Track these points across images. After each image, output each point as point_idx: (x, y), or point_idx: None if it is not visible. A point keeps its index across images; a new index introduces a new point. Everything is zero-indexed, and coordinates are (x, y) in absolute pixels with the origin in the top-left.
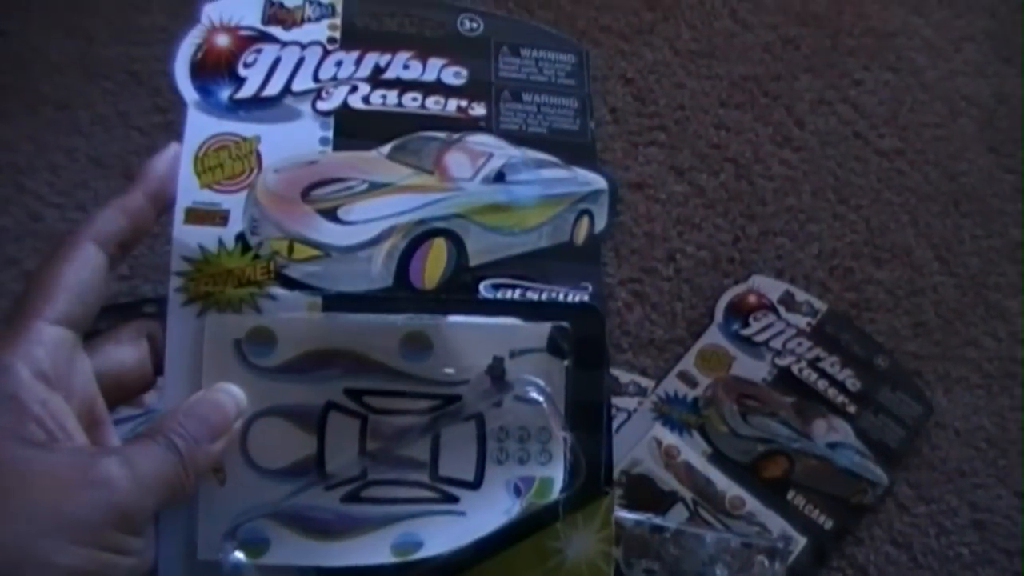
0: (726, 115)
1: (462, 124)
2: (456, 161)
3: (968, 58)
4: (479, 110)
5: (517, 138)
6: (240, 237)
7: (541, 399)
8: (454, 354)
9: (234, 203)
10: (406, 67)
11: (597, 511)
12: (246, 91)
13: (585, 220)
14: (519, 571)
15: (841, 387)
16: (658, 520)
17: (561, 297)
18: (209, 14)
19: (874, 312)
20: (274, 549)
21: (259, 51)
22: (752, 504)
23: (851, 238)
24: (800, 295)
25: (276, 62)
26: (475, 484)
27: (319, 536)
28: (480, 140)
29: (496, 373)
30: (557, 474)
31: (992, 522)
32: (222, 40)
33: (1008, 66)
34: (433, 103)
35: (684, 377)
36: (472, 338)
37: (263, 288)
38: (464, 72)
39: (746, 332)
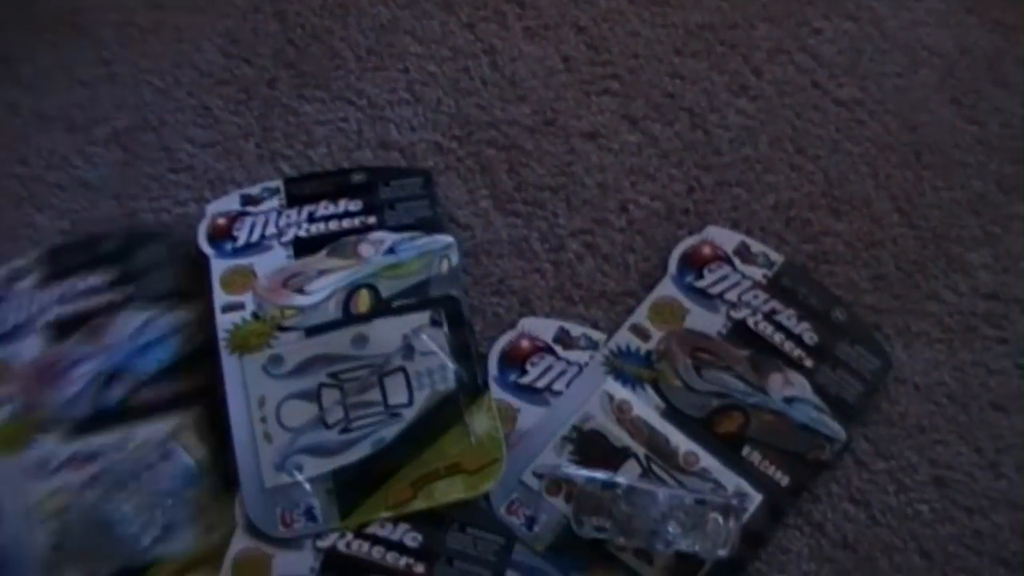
0: (681, 64)
1: (362, 229)
2: (364, 248)
3: (930, 7)
4: (371, 220)
5: (396, 228)
6: (254, 314)
7: (435, 349)
8: (381, 340)
9: (247, 298)
10: (326, 208)
11: (483, 402)
12: (239, 242)
13: (445, 261)
14: (449, 446)
15: (798, 341)
16: (609, 477)
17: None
18: (211, 210)
19: (832, 264)
20: (306, 468)
21: (243, 221)
22: (706, 460)
23: (809, 189)
24: (756, 247)
25: (253, 224)
26: (409, 403)
27: (328, 455)
28: (376, 235)
29: (406, 343)
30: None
31: (952, 479)
32: (221, 220)
33: (971, 16)
34: (346, 223)
35: (636, 330)
36: (389, 329)
37: (272, 335)
38: (359, 203)
39: (700, 284)
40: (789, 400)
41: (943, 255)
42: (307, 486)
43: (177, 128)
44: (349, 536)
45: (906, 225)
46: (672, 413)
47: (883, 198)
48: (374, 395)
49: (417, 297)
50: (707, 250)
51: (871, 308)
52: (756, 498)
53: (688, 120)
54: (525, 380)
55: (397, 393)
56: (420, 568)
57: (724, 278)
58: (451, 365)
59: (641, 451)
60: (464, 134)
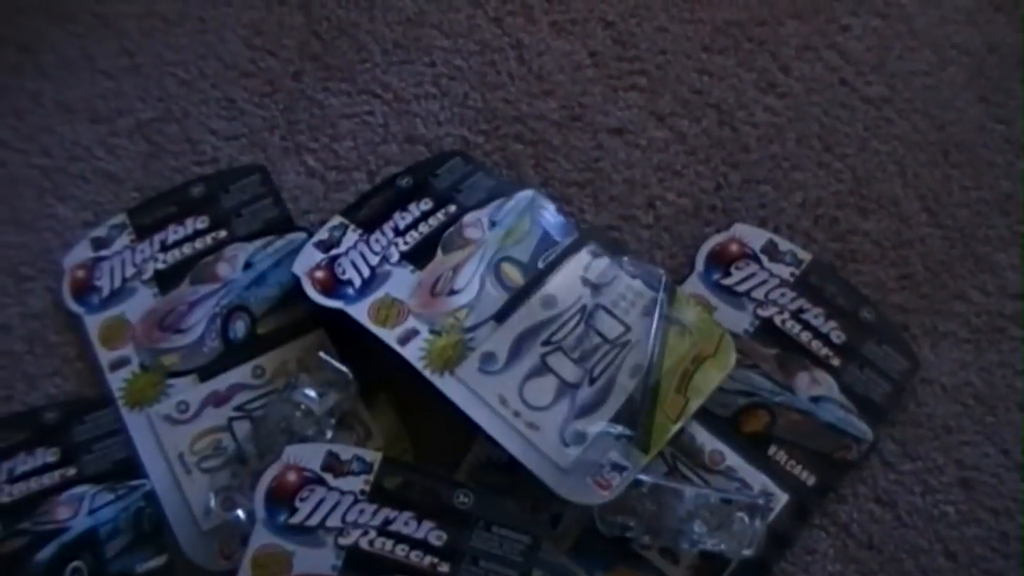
0: (709, 60)
1: (216, 247)
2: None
3: (959, 5)
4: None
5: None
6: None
7: (614, 275)
8: (565, 292)
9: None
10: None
11: (679, 297)
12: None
13: (543, 210)
14: (679, 345)
15: (825, 339)
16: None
17: None
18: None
19: (860, 263)
20: (589, 431)
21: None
22: (732, 459)
23: (836, 187)
24: (783, 244)
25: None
26: (628, 328)
27: (597, 407)
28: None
29: (588, 284)
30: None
31: (979, 480)
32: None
33: (999, 14)
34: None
35: None
36: (566, 279)
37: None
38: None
39: (727, 282)
40: (816, 399)
41: (971, 255)
42: (599, 445)
43: (201, 120)
44: (372, 534)
45: (934, 225)
46: (698, 411)
47: (911, 197)
48: (594, 339)
49: (554, 247)
50: (734, 247)
51: (898, 307)
52: (782, 498)
53: (716, 117)
54: None
55: (611, 327)
56: (445, 567)
57: (751, 276)
58: (635, 281)
59: (667, 449)
60: (491, 128)
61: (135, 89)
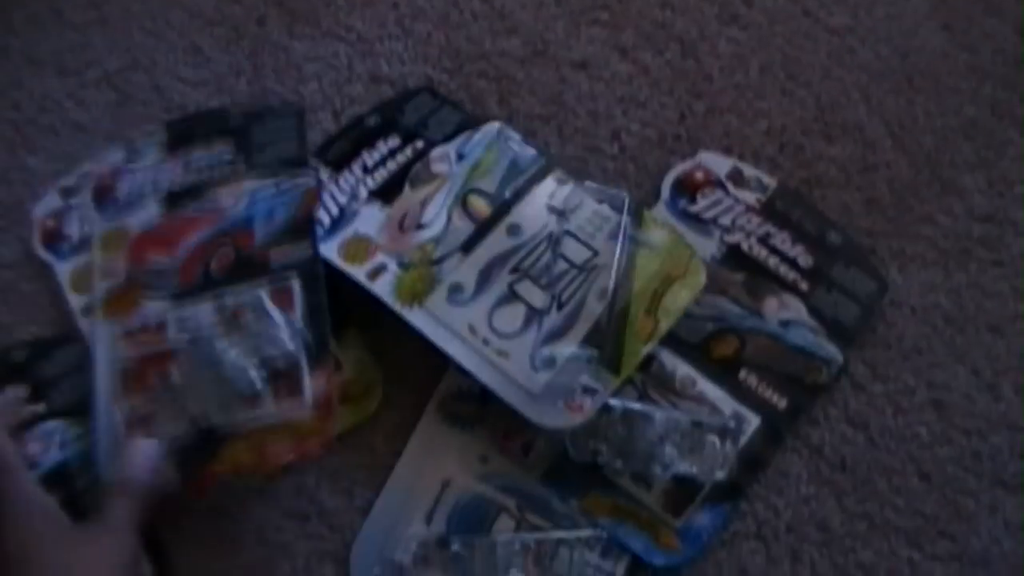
0: None
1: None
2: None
3: None
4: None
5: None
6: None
7: (580, 200)
8: (531, 220)
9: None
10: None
11: (647, 219)
12: (694, 208)
13: (511, 141)
14: (647, 267)
15: (792, 264)
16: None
17: None
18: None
19: (825, 189)
20: (558, 355)
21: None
22: (703, 385)
23: (801, 115)
24: (749, 171)
25: (717, 202)
26: (595, 252)
27: (566, 332)
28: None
29: (555, 210)
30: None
31: (950, 401)
32: (699, 175)
33: None
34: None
35: None
36: (531, 207)
37: None
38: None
39: (693, 209)
40: (785, 323)
41: (937, 179)
42: (570, 369)
43: (168, 68)
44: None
45: (899, 150)
46: (667, 338)
47: (876, 123)
48: (561, 265)
49: (520, 175)
50: (699, 175)
51: (865, 232)
52: (754, 421)
53: (679, 49)
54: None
55: (578, 252)
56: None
57: (717, 203)
58: (601, 206)
59: (637, 375)
60: (454, 66)
61: (103, 41)
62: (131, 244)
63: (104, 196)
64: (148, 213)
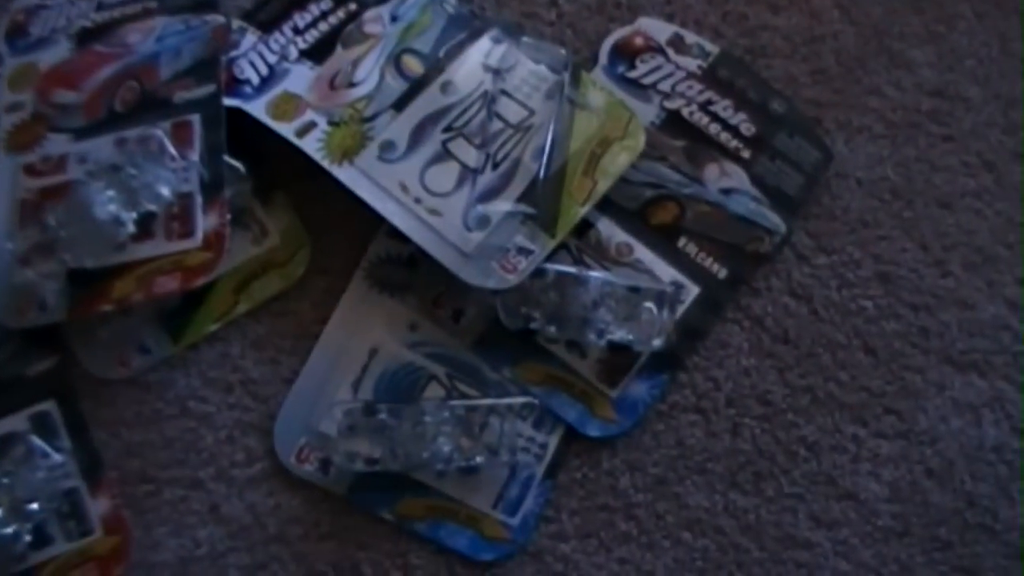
0: None
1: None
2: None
3: None
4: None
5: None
6: None
7: (517, 60)
8: (465, 78)
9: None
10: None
11: (585, 80)
12: (633, 74)
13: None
14: (585, 128)
15: (735, 131)
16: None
17: None
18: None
19: (770, 58)
20: (493, 214)
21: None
22: (640, 252)
23: None
24: (690, 38)
25: (657, 67)
26: (531, 112)
27: (501, 191)
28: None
29: (490, 69)
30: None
31: (897, 275)
32: (638, 40)
33: None
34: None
35: None
36: (466, 65)
37: None
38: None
39: (632, 75)
40: (726, 191)
41: (885, 52)
42: (504, 229)
43: None
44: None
45: (846, 21)
46: (603, 203)
47: None
48: (496, 124)
49: (452, 36)
50: (639, 41)
51: (811, 102)
52: (693, 290)
53: None
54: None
55: (514, 112)
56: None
57: (657, 68)
58: (539, 67)
59: (572, 242)
60: None
61: None
62: (39, 79)
63: (16, 33)
64: (59, 50)
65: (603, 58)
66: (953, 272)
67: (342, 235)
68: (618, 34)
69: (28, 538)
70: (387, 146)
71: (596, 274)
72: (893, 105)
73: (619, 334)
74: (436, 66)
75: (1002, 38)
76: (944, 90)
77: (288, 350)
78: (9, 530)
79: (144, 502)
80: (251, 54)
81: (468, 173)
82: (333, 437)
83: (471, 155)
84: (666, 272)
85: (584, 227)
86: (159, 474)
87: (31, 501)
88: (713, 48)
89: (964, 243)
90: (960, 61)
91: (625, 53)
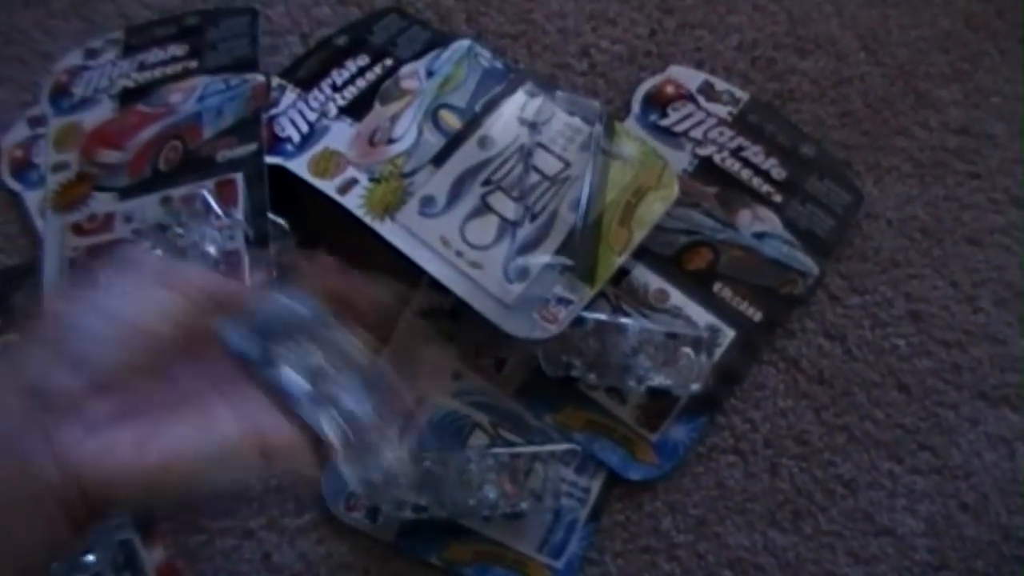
0: None
1: (183, 75)
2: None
3: None
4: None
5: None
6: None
7: (552, 112)
8: (502, 132)
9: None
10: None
11: (618, 131)
12: (665, 122)
13: (480, 57)
14: (620, 178)
15: (766, 176)
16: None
17: None
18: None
19: (799, 102)
20: (532, 265)
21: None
22: (677, 297)
23: (773, 29)
24: (720, 85)
25: (689, 115)
26: (567, 164)
27: (540, 243)
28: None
29: (526, 123)
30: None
31: (928, 313)
32: (670, 88)
33: None
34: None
35: None
36: (502, 119)
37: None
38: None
39: (665, 123)
40: (759, 235)
41: (912, 92)
42: (544, 280)
43: None
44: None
45: (873, 63)
46: (640, 250)
47: (849, 37)
48: (533, 177)
49: (491, 89)
50: (670, 89)
51: (840, 144)
52: (729, 334)
53: None
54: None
55: (550, 164)
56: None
57: (688, 116)
58: (573, 118)
59: (610, 289)
60: None
61: None
62: (83, 139)
63: (59, 93)
64: (102, 110)
65: (636, 107)
66: (983, 308)
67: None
68: (650, 83)
69: None
70: (427, 201)
71: (634, 321)
72: (921, 144)
73: (658, 379)
74: (473, 120)
75: None
76: (970, 128)
77: None
78: None
79: (198, 552)
80: (291, 112)
81: (507, 226)
82: (379, 484)
83: (510, 208)
84: (702, 317)
85: (621, 274)
86: (211, 524)
87: (87, 553)
88: (743, 94)
89: (994, 279)
90: (986, 98)
91: (657, 102)
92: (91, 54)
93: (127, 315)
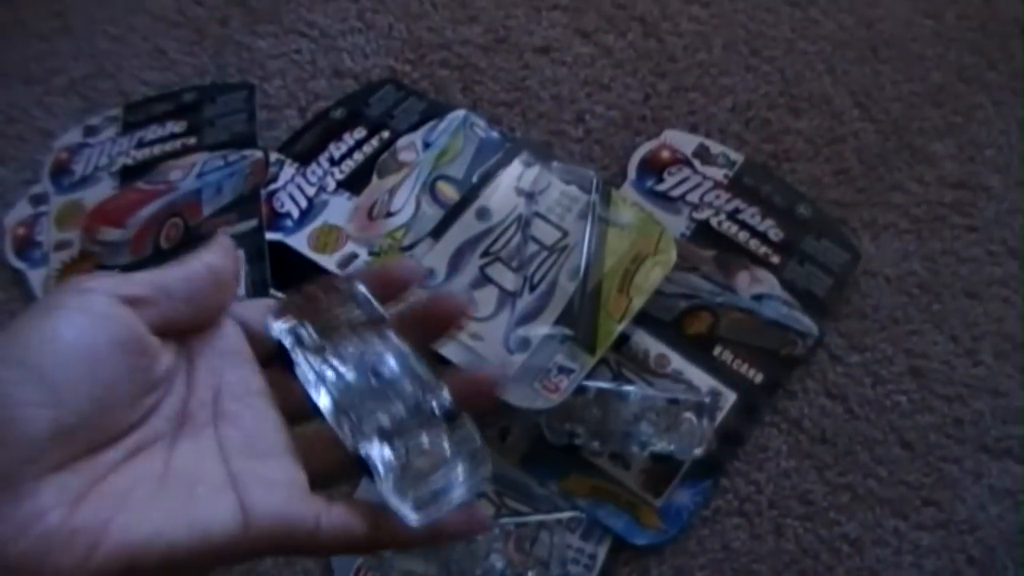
0: None
1: (182, 151)
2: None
3: None
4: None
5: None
6: None
7: (548, 182)
8: (500, 203)
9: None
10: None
11: (615, 198)
12: (662, 187)
13: (476, 127)
14: (618, 245)
15: (763, 238)
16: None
17: None
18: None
19: (794, 162)
20: (532, 336)
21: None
22: (678, 362)
23: (766, 90)
24: (715, 147)
25: (685, 179)
26: (565, 233)
27: (539, 313)
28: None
29: (523, 193)
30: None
31: (929, 368)
32: (665, 153)
33: None
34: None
35: None
36: (500, 190)
37: None
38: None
39: (661, 188)
40: (758, 297)
41: (906, 147)
42: (545, 350)
43: (133, 73)
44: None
45: (866, 119)
46: (640, 316)
47: (842, 94)
48: (531, 247)
49: (487, 159)
50: (666, 154)
51: (836, 203)
52: (730, 397)
53: (640, 29)
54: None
55: (548, 234)
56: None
57: (685, 180)
58: (569, 187)
59: (611, 356)
60: (417, 57)
61: (68, 48)
62: (84, 217)
63: (60, 171)
64: (102, 187)
65: (632, 173)
66: (984, 361)
67: None
68: (645, 148)
69: None
70: (427, 274)
71: (636, 388)
72: (916, 199)
73: (661, 445)
74: (470, 192)
75: (1021, 125)
76: (966, 181)
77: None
78: None
79: None
80: (290, 187)
81: (507, 297)
82: (389, 556)
83: (509, 279)
84: (703, 380)
85: (622, 340)
86: None
87: None
88: (738, 156)
89: (993, 332)
90: (980, 151)
91: (653, 167)
92: (90, 131)
93: (59, 363)
